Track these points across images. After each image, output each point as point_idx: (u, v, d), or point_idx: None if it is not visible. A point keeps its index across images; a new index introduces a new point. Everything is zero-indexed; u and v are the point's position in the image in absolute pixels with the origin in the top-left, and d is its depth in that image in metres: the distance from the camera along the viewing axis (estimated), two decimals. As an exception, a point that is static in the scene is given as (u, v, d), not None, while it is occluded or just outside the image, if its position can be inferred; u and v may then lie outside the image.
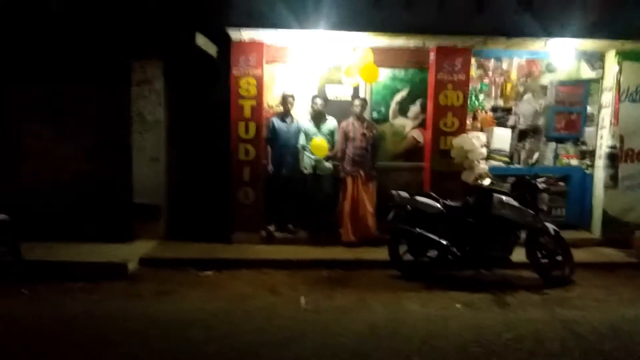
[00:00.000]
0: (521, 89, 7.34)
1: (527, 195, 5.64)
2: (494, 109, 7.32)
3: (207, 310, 4.76)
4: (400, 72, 7.05)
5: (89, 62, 6.58)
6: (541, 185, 5.72)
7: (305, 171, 6.71)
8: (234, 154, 6.62)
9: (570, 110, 7.27)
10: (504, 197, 5.55)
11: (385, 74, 6.92)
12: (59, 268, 5.60)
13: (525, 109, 7.34)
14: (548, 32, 6.08)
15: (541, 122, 7.35)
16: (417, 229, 5.64)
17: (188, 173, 7.05)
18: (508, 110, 7.36)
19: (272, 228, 6.80)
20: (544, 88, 7.33)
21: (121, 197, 6.69)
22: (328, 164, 6.74)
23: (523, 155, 7.34)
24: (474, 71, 7.01)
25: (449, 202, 5.75)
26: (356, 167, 6.61)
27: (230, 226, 6.68)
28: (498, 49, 6.82)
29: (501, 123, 7.30)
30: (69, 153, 6.76)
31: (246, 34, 6.20)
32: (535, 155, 5.94)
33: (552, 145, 7.34)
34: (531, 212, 5.56)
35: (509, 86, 7.28)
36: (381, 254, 6.00)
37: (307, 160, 6.71)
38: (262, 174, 6.71)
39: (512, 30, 6.04)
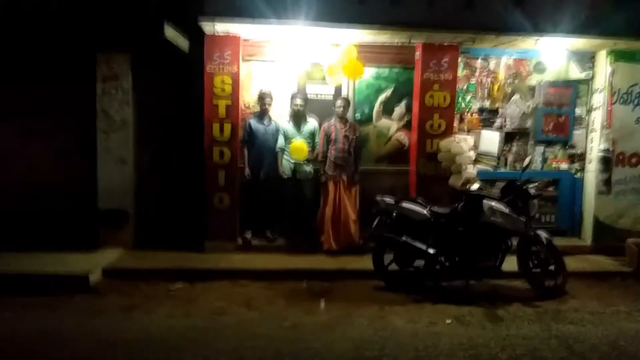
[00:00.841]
0: (509, 90, 7.05)
1: (519, 201, 5.35)
2: (480, 111, 7.03)
3: (177, 327, 4.36)
4: (384, 71, 6.70)
5: (50, 55, 6.11)
6: (533, 191, 5.42)
7: (284, 175, 6.32)
8: (208, 156, 6.20)
9: (559, 112, 7.03)
10: (494, 203, 5.25)
11: (369, 73, 6.55)
12: (11, 280, 5.13)
13: (513, 111, 7.06)
14: (539, 29, 5.82)
15: (529, 124, 7.09)
16: (403, 237, 5.32)
17: (158, 176, 6.59)
18: (494, 112, 7.07)
19: (248, 235, 6.40)
20: (532, 89, 7.07)
21: (85, 202, 6.22)
22: (308, 168, 6.38)
23: (510, 158, 7.09)
24: (460, 71, 6.70)
25: (436, 209, 5.42)
26: (338, 171, 6.25)
27: (204, 233, 6.25)
28: (486, 47, 6.52)
29: (487, 125, 7.03)
30: (28, 155, 6.31)
31: (221, 27, 5.78)
32: (528, 160, 5.65)
33: (540, 148, 7.10)
34: (522, 219, 5.27)
35: (496, 87, 6.99)
36: (365, 263, 5.67)
37: (286, 164, 6.33)
38: (238, 178, 6.30)
39: (502, 27, 5.76)
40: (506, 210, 5.23)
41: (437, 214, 5.39)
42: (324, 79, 6.47)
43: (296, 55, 6.21)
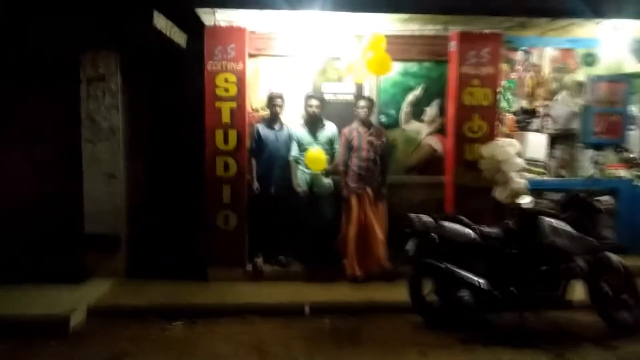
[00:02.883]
0: (554, 86, 6.17)
1: (583, 217, 4.44)
2: (515, 111, 6.14)
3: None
4: (412, 66, 5.82)
5: (27, 53, 5.29)
6: (601, 205, 4.50)
7: (299, 189, 5.44)
8: (210, 169, 5.35)
9: (611, 111, 6.14)
10: (554, 221, 4.35)
11: (395, 69, 5.63)
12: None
13: (559, 110, 6.17)
14: (599, 11, 4.88)
15: (575, 125, 6.19)
16: (446, 264, 4.41)
17: (154, 193, 5.79)
18: (532, 112, 6.19)
19: (259, 261, 5.50)
20: (580, 85, 6.18)
21: (70, 225, 5.37)
22: (327, 180, 5.49)
23: (553, 164, 6.20)
24: (499, 64, 5.82)
25: (484, 229, 4.52)
26: (362, 184, 5.36)
27: (207, 259, 5.38)
28: (532, 35, 5.64)
29: (523, 127, 6.15)
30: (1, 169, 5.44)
31: (222, 17, 4.94)
32: (591, 168, 4.72)
33: (589, 152, 6.18)
34: (591, 239, 4.36)
35: (539, 83, 6.13)
36: (396, 292, 4.82)
37: (301, 176, 5.46)
38: (246, 194, 5.44)
39: (555, 9, 4.82)
40: (570, 229, 4.34)
41: (485, 234, 4.49)
42: (343, 77, 5.62)
43: (312, 49, 5.42)
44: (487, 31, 5.35)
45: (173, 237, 5.66)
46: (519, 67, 6.07)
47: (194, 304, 4.77)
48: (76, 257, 5.30)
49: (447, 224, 4.52)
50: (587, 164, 6.13)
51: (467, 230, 4.49)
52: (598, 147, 6.19)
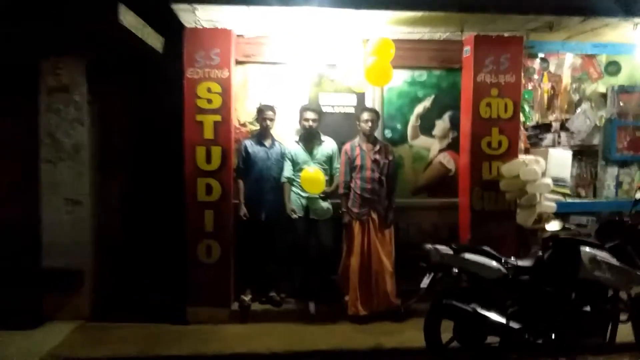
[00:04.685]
0: (574, 98, 5.63)
1: (628, 246, 3.80)
2: (526, 126, 5.60)
3: None
4: (421, 75, 5.26)
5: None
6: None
7: (293, 215, 4.85)
8: (190, 191, 4.70)
9: (637, 125, 5.66)
10: (596, 252, 3.71)
11: (401, 77, 5.13)
12: None
13: (580, 124, 5.65)
14: (636, 11, 4.35)
15: (596, 140, 5.68)
16: (472, 306, 3.74)
17: (125, 220, 5.12)
18: (545, 127, 5.64)
19: (247, 298, 4.85)
20: (602, 96, 5.66)
21: (24, 259, 4.66)
22: (326, 204, 4.90)
23: (571, 183, 5.63)
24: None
25: (513, 262, 3.87)
26: (366, 208, 4.75)
27: (187, 297, 4.70)
28: (555, 40, 5.14)
29: (534, 143, 5.60)
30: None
31: (205, 16, 4.31)
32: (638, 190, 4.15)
33: (613, 170, 5.69)
34: (637, 272, 3.72)
35: (558, 94, 5.58)
36: (409, 335, 4.26)
37: (295, 200, 4.88)
38: (232, 220, 4.81)
39: (591, 7, 4.27)
40: (614, 260, 3.71)
41: (516, 268, 3.83)
42: (343, 87, 5.08)
43: (308, 55, 4.84)
44: (506, 34, 4.80)
45: (147, 272, 5.00)
46: (536, 76, 5.53)
47: (169, 356, 4.03)
48: (31, 296, 4.59)
49: (469, 255, 3.86)
50: (611, 182, 5.66)
51: (494, 264, 3.83)
52: (622, 164, 5.72)
